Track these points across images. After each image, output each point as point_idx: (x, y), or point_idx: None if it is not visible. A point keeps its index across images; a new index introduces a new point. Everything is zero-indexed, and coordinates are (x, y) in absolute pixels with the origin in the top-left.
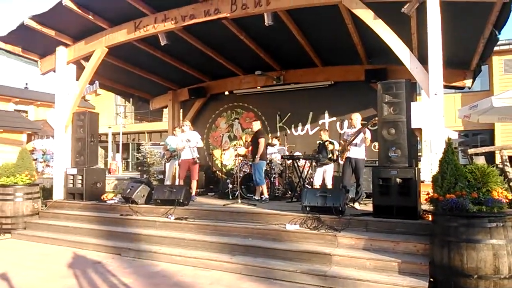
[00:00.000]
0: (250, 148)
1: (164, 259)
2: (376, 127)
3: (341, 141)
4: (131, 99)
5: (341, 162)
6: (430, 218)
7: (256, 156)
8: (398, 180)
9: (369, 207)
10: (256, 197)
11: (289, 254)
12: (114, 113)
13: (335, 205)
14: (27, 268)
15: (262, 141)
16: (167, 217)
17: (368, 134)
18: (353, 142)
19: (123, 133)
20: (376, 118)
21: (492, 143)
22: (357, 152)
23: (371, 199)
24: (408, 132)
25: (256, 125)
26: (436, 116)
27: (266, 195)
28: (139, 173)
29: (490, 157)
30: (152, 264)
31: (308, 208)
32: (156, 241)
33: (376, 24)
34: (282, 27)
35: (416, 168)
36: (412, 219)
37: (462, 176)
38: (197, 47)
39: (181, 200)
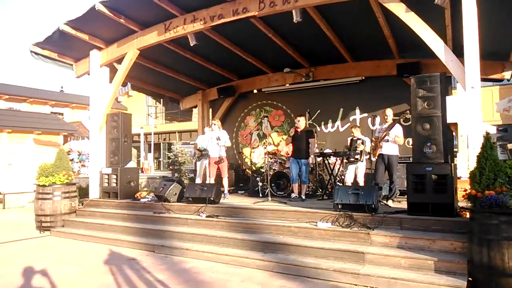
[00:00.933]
0: (291, 144)
1: (196, 256)
2: (410, 122)
3: (373, 138)
4: (161, 100)
5: (374, 159)
6: (468, 216)
7: (310, 155)
8: (433, 176)
9: (403, 205)
10: (294, 195)
11: (321, 252)
12: (145, 114)
13: (367, 203)
14: (65, 264)
15: (313, 141)
16: (198, 215)
17: (397, 131)
18: (385, 138)
19: (154, 133)
20: (407, 111)
21: None
22: (390, 148)
23: (405, 197)
24: (443, 127)
25: (302, 121)
26: (473, 110)
27: (303, 195)
28: (170, 172)
29: None
30: (184, 261)
31: (340, 206)
32: (188, 238)
33: (408, 17)
34: (310, 24)
35: (452, 164)
36: (448, 217)
37: (501, 171)
38: (225, 46)
39: (212, 198)
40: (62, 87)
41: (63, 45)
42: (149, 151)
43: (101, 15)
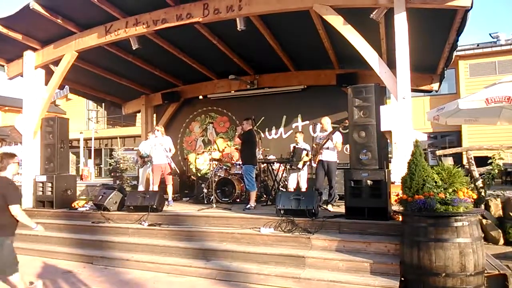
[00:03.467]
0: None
1: (137, 267)
2: (347, 130)
3: (314, 145)
4: (103, 104)
5: (314, 165)
6: (400, 219)
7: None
8: (369, 182)
9: (342, 209)
10: (251, 204)
11: (264, 257)
12: (85, 118)
13: (308, 208)
14: None
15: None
16: (140, 224)
17: (337, 138)
18: (325, 145)
19: (95, 138)
20: (347, 120)
21: (459, 144)
22: (329, 155)
23: (344, 201)
24: (378, 135)
25: (246, 125)
26: (404, 119)
27: (251, 204)
28: (112, 179)
29: (457, 158)
30: (124, 272)
31: (282, 211)
32: (129, 248)
33: (346, 29)
34: (255, 32)
35: (386, 170)
36: (383, 220)
37: (429, 177)
38: (170, 51)
39: (154, 206)
40: None
41: None
42: (90, 157)
43: (36, 14)
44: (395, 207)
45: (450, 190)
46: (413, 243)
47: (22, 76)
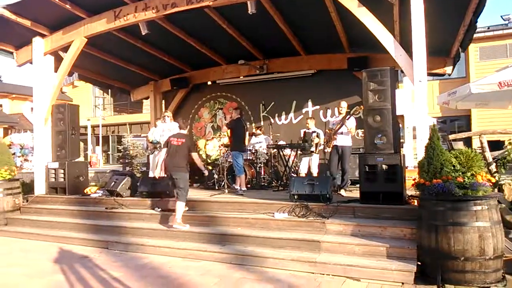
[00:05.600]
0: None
1: (152, 251)
2: (359, 114)
3: (327, 130)
4: (109, 91)
5: (328, 150)
6: (416, 203)
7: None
8: (384, 166)
9: (355, 194)
10: (236, 186)
11: (279, 242)
12: (92, 105)
13: (322, 193)
14: (10, 265)
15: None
16: (153, 209)
17: (351, 123)
18: (339, 130)
19: (103, 125)
20: (362, 106)
21: (468, 128)
22: (344, 140)
23: (356, 186)
24: (393, 119)
25: (234, 113)
26: (420, 102)
27: (243, 187)
28: (121, 165)
29: (467, 143)
30: (140, 256)
31: (296, 197)
32: (144, 233)
33: (361, 12)
34: (265, 16)
35: (401, 154)
36: (398, 205)
37: (447, 161)
38: (179, 36)
39: (167, 192)
40: (0, 77)
41: (2, 31)
42: (97, 144)
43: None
44: (410, 192)
45: (469, 174)
46: (431, 227)
47: (31, 63)
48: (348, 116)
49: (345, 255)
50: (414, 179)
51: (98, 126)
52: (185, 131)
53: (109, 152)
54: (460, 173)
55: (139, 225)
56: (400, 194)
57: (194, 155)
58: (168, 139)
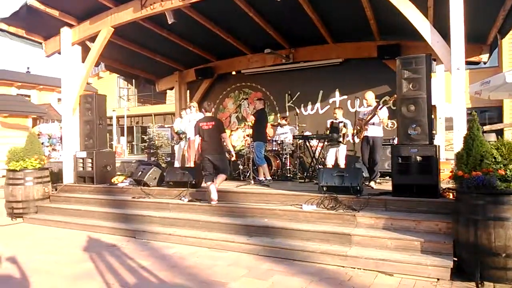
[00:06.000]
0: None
1: (179, 241)
2: (388, 104)
3: (357, 120)
4: (133, 82)
5: (357, 140)
6: (451, 196)
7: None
8: (418, 158)
9: (384, 186)
10: (260, 177)
11: (307, 234)
12: (117, 96)
13: (353, 185)
14: (41, 252)
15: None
16: (180, 199)
17: (383, 113)
18: (371, 121)
19: (127, 116)
20: (395, 96)
21: (500, 120)
22: (375, 131)
23: (385, 178)
24: (428, 109)
25: (259, 104)
26: (458, 91)
27: (268, 176)
28: (145, 155)
29: (499, 134)
30: (167, 246)
31: (324, 188)
32: (170, 223)
33: None
34: (292, 2)
35: (436, 145)
36: (432, 198)
37: (488, 152)
38: (205, 25)
39: (193, 182)
40: (28, 68)
41: (31, 22)
42: (122, 135)
43: None
44: (443, 184)
45: (511, 166)
46: (470, 221)
47: (59, 53)
48: (381, 105)
49: (377, 249)
50: (451, 171)
51: (122, 116)
52: (210, 114)
53: (133, 143)
54: (502, 165)
55: (165, 214)
56: (435, 187)
57: (224, 136)
58: (198, 125)
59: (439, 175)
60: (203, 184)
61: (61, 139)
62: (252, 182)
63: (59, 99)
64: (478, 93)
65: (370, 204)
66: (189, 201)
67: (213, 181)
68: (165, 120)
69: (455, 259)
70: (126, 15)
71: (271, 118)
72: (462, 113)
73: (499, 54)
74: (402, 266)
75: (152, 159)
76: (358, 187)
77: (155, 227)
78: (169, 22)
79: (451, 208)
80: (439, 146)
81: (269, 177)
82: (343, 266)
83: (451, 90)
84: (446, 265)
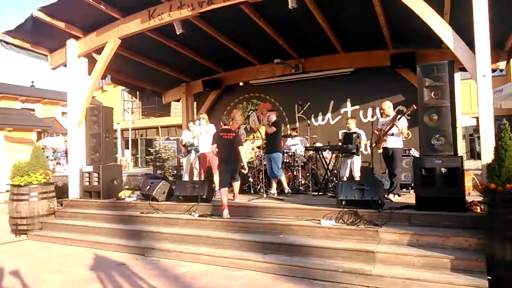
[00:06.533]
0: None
1: (191, 259)
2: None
3: (375, 131)
4: (138, 95)
5: (379, 151)
6: (479, 210)
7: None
8: (443, 169)
9: (404, 199)
10: (272, 191)
11: (327, 252)
12: (121, 109)
13: (374, 199)
14: (46, 272)
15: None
16: (190, 214)
17: (403, 123)
18: (390, 131)
19: (131, 129)
20: (414, 105)
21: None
22: (395, 142)
23: (402, 190)
24: (452, 118)
25: (273, 116)
26: (485, 99)
27: (287, 187)
28: (150, 168)
29: None
30: (178, 264)
31: (343, 202)
32: (181, 239)
33: (414, 3)
34: (304, 11)
35: (462, 156)
36: (459, 211)
37: None
38: (213, 36)
39: (204, 196)
40: (32, 82)
41: (36, 34)
42: (126, 148)
43: (78, 0)
44: (470, 198)
45: None
46: (506, 237)
47: (65, 65)
48: (400, 115)
49: (403, 267)
50: (481, 184)
51: (127, 129)
52: (229, 127)
53: (137, 155)
54: None
55: (176, 230)
56: (462, 200)
57: (241, 149)
58: (218, 134)
59: (465, 187)
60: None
61: (65, 152)
62: (265, 195)
63: (63, 113)
64: None
65: (392, 218)
66: (199, 216)
67: (229, 187)
68: (169, 133)
69: (489, 277)
70: (133, 26)
71: None
72: (490, 122)
73: (508, 63)
74: (432, 286)
75: (158, 172)
76: (379, 201)
77: (165, 244)
78: (178, 33)
79: (480, 223)
80: (463, 156)
81: (287, 188)
82: (368, 286)
83: (478, 98)
84: (481, 285)
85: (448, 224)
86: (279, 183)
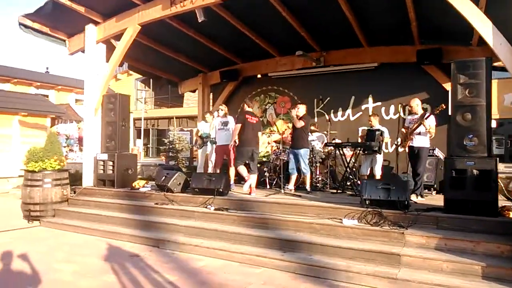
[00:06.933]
0: (290, 134)
1: (206, 253)
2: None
3: (403, 129)
4: (151, 84)
5: (401, 150)
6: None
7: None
8: (475, 172)
9: (428, 200)
10: (290, 187)
11: (349, 252)
12: (134, 98)
13: (400, 199)
14: (59, 260)
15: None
16: (206, 207)
17: (431, 122)
18: (417, 130)
19: (144, 119)
20: (443, 104)
21: None
22: (422, 141)
23: (424, 191)
24: (488, 117)
25: (302, 109)
26: None
27: (309, 186)
28: (161, 158)
29: None
30: (194, 258)
31: (367, 202)
32: (196, 233)
33: None
34: (330, 1)
35: (496, 158)
36: (491, 216)
37: None
38: (234, 25)
39: (221, 190)
40: (47, 68)
41: (56, 18)
42: (138, 137)
43: None
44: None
45: None
46: None
47: (83, 51)
48: (428, 114)
49: (431, 272)
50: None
51: (139, 119)
52: (252, 110)
53: (148, 145)
54: None
55: (191, 223)
56: (495, 204)
57: (259, 135)
58: (245, 117)
59: (498, 191)
60: (232, 189)
61: (78, 140)
62: (282, 191)
63: (77, 100)
64: None
65: (419, 220)
66: (215, 209)
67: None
68: (181, 124)
69: None
70: (154, 12)
71: None
72: None
73: None
74: None
75: (170, 163)
76: (406, 202)
77: (180, 237)
78: (199, 21)
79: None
80: (497, 159)
81: (309, 188)
82: None
83: None
84: None
85: (478, 229)
86: (297, 179)
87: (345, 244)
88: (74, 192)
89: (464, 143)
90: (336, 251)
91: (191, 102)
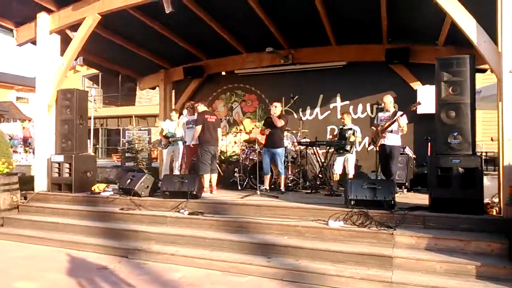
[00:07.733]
0: (266, 133)
1: (184, 262)
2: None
3: (373, 127)
4: (100, 82)
5: (374, 148)
6: (495, 213)
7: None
8: (460, 169)
9: (400, 199)
10: (265, 187)
11: (338, 256)
12: None
13: (386, 199)
14: (15, 277)
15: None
16: (178, 212)
17: (403, 121)
18: (389, 128)
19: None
20: (417, 102)
21: None
22: (394, 139)
23: (398, 189)
24: (472, 115)
25: (279, 107)
26: (510, 97)
27: (283, 186)
28: (114, 160)
29: None
30: (170, 268)
31: (353, 202)
32: (170, 240)
33: None
34: None
35: (481, 156)
36: (477, 214)
37: None
38: (201, 17)
39: (194, 192)
40: None
41: (2, 4)
42: (88, 138)
43: None
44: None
45: None
46: None
47: (34, 42)
48: (402, 112)
49: (424, 274)
50: (510, 187)
51: (89, 118)
52: (208, 109)
53: (97, 146)
54: None
55: (163, 230)
56: (480, 202)
57: (219, 132)
58: (203, 117)
59: (483, 189)
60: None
61: (23, 140)
62: (258, 192)
63: (18, 98)
64: None
65: (406, 220)
66: (190, 214)
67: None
68: (133, 123)
69: None
70: (117, 1)
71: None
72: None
73: None
74: None
75: (127, 164)
76: (392, 201)
77: (152, 245)
78: (167, 11)
79: (501, 226)
80: (482, 157)
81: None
82: None
83: (502, 96)
84: None
85: (466, 227)
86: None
87: (333, 247)
88: (25, 198)
89: (449, 141)
90: (325, 254)
91: (144, 100)
